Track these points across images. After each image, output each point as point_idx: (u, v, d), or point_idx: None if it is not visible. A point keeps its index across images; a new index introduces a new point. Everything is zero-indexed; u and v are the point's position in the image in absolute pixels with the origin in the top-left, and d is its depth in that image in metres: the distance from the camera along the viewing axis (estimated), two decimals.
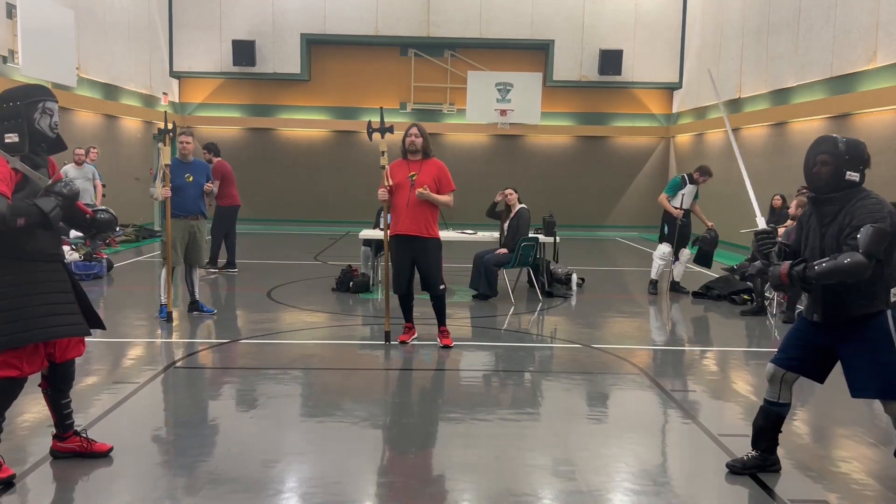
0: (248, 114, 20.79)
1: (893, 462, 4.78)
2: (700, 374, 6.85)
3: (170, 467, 4.35)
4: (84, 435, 4.36)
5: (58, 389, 4.30)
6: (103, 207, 4.47)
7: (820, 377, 4.27)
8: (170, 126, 8.16)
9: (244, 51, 19.71)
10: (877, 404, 6.28)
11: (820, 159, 3.97)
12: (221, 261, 12.01)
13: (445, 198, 7.15)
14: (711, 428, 5.17)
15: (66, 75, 14.40)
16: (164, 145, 8.04)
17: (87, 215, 4.34)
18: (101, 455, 4.37)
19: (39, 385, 4.31)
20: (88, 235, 4.40)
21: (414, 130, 7.21)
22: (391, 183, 7.12)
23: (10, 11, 13.08)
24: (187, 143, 8.60)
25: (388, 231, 7.30)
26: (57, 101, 4.11)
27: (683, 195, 10.64)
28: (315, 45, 20.58)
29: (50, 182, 4.02)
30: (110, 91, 17.03)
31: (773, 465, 4.38)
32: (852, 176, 3.92)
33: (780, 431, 4.38)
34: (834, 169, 3.93)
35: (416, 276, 7.33)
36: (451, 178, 7.25)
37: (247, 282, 11.26)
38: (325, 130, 20.94)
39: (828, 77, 13.34)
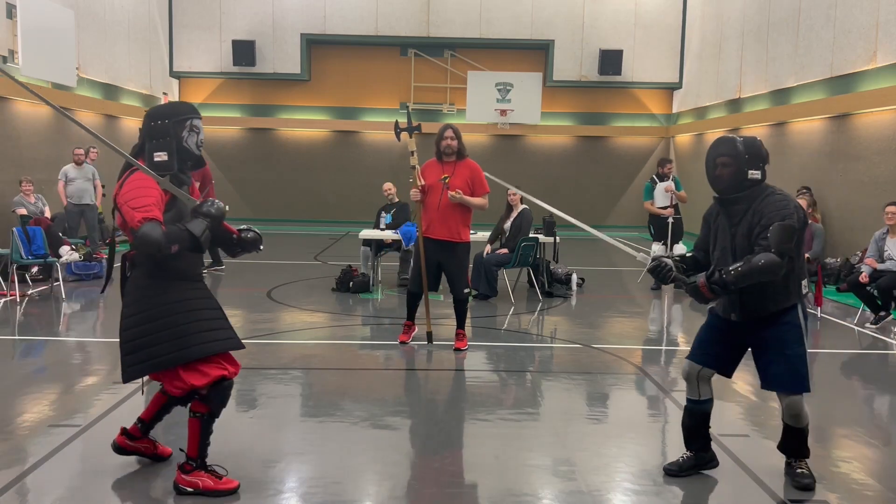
0: (248, 114, 20.78)
1: (893, 462, 4.78)
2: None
3: (170, 467, 4.34)
4: (214, 470, 4.09)
5: (178, 401, 4.12)
6: (245, 227, 4.24)
7: (730, 372, 4.30)
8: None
9: (244, 51, 19.71)
10: (877, 403, 6.29)
11: (720, 161, 4.00)
12: (207, 260, 12.02)
13: (479, 200, 7.08)
14: (711, 428, 5.16)
15: (66, 75, 14.40)
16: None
17: (234, 235, 4.17)
18: (163, 459, 4.34)
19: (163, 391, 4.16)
20: (232, 254, 4.24)
21: (449, 133, 7.11)
22: (423, 183, 7.06)
23: (10, 11, 13.08)
24: None
25: (420, 231, 7.20)
26: (201, 118, 4.05)
27: (671, 193, 11.05)
28: (315, 45, 20.58)
29: (197, 203, 3.88)
30: (110, 91, 17.03)
31: (709, 463, 4.38)
32: (754, 174, 3.95)
33: (710, 427, 4.36)
34: (735, 170, 3.96)
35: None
36: (484, 179, 7.13)
37: (247, 282, 11.26)
38: (325, 130, 20.93)
39: (828, 77, 13.33)
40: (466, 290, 7.22)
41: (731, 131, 17.47)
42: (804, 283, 4.13)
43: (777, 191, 4.03)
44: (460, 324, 7.34)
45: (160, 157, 3.83)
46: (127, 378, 3.89)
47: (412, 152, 7.11)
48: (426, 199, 7.08)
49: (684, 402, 4.41)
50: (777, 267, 3.79)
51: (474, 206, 7.08)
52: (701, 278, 3.84)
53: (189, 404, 3.99)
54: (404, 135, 7.20)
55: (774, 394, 4.22)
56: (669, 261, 4.02)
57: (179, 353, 3.80)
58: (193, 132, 3.96)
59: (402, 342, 7.38)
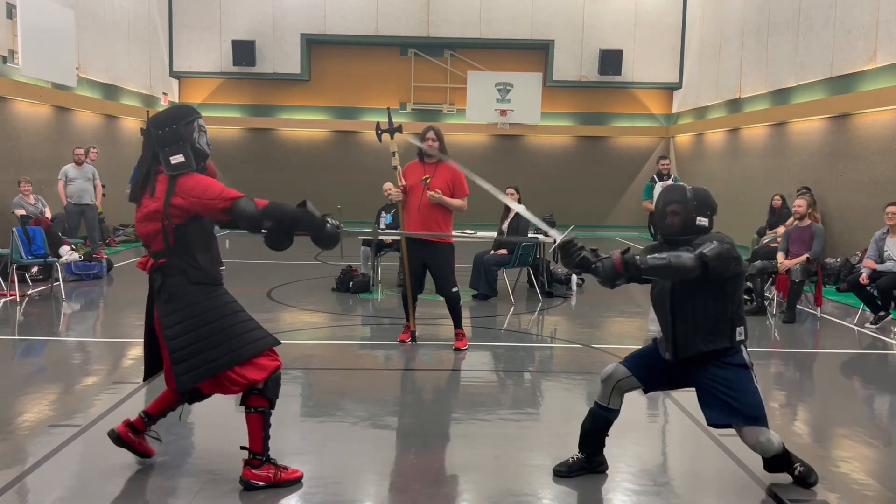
0: (248, 114, 20.78)
1: (893, 462, 4.78)
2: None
3: (170, 467, 4.35)
4: (275, 461, 4.12)
5: (192, 399, 4.22)
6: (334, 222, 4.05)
7: (650, 390, 4.31)
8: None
9: (244, 51, 19.71)
10: (877, 403, 6.29)
11: (670, 209, 4.07)
12: None
13: (458, 202, 7.13)
14: (711, 428, 5.16)
15: (66, 75, 14.40)
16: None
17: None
18: (147, 456, 4.33)
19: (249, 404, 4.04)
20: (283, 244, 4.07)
21: (431, 134, 7.17)
22: (405, 183, 7.10)
23: (10, 11, 13.08)
24: None
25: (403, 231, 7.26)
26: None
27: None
28: (315, 45, 20.58)
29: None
30: (110, 91, 17.03)
31: (599, 466, 4.35)
32: (702, 221, 4.04)
33: (608, 435, 4.34)
34: (684, 217, 4.03)
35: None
36: (465, 182, 7.17)
37: (247, 282, 11.26)
38: (325, 130, 20.93)
39: (828, 77, 13.33)
40: (455, 290, 7.20)
41: (732, 131, 17.48)
42: (739, 330, 4.07)
43: (718, 234, 4.06)
44: (457, 323, 7.33)
45: (177, 159, 3.89)
46: (182, 386, 3.91)
47: (393, 153, 7.17)
48: (407, 199, 7.14)
49: (591, 405, 4.37)
50: (691, 267, 3.77)
51: (453, 208, 7.13)
52: (616, 253, 3.81)
53: (245, 401, 4.02)
54: (385, 136, 7.25)
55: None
56: (578, 241, 3.95)
57: (233, 355, 3.87)
58: (202, 132, 4.06)
59: (402, 341, 7.39)
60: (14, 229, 9.83)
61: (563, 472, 4.31)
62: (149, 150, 3.97)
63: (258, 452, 4.03)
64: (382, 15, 19.89)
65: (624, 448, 4.83)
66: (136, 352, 7.23)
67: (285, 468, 4.10)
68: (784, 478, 4.31)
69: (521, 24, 20.01)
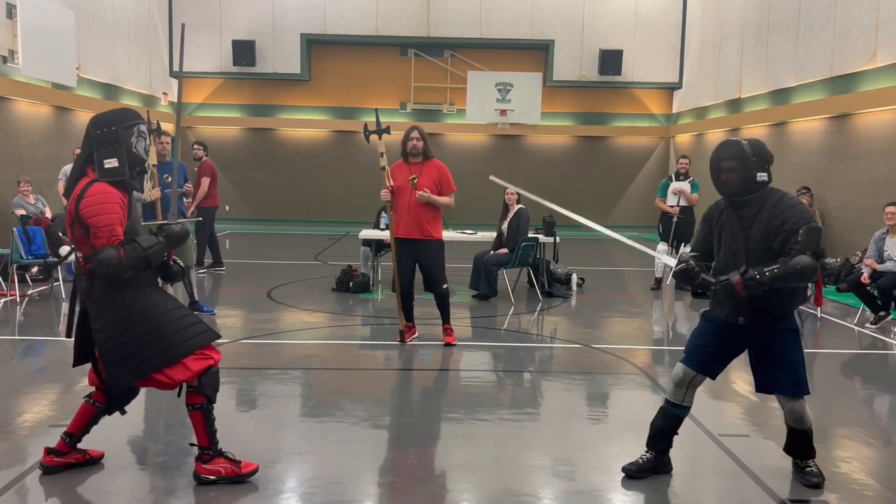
0: (248, 114, 20.79)
1: (893, 462, 4.78)
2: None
3: (170, 467, 4.35)
4: (229, 455, 4.14)
5: (108, 410, 4.22)
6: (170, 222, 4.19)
7: (715, 376, 4.26)
8: (153, 126, 8.11)
9: (244, 51, 19.71)
10: (877, 403, 6.30)
11: (727, 165, 3.94)
12: (207, 261, 12.03)
13: (446, 199, 7.23)
14: (711, 428, 5.16)
15: (66, 75, 14.40)
16: (150, 145, 7.98)
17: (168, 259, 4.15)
18: (97, 461, 4.30)
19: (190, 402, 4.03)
20: (166, 277, 4.23)
21: (415, 134, 7.26)
22: (393, 184, 7.16)
23: (10, 11, 13.08)
24: (166, 143, 8.56)
25: (392, 232, 7.32)
26: (147, 124, 4.07)
27: (681, 193, 11.00)
28: (315, 45, 20.58)
29: (164, 221, 4.02)
30: (110, 91, 17.03)
31: (666, 466, 4.34)
32: (762, 176, 3.92)
33: (677, 434, 4.32)
34: (743, 174, 3.91)
35: (417, 277, 7.36)
36: (451, 179, 7.31)
37: (247, 282, 11.26)
38: (325, 130, 20.93)
39: (828, 77, 13.33)
40: (445, 286, 7.28)
41: (732, 131, 17.47)
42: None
43: (788, 194, 4.02)
44: (446, 319, 7.44)
45: (111, 163, 3.84)
46: (117, 387, 3.96)
47: (381, 153, 7.23)
48: (396, 199, 7.22)
49: (662, 402, 4.37)
50: (814, 270, 3.75)
51: (441, 205, 7.22)
52: (735, 276, 3.78)
53: (185, 399, 4.03)
54: (373, 137, 7.31)
55: (775, 394, 4.22)
56: (694, 265, 3.97)
57: (165, 356, 3.88)
58: (141, 138, 3.97)
59: (401, 342, 7.40)
60: (14, 229, 9.83)
61: (633, 473, 4.26)
62: (86, 150, 3.92)
63: (205, 447, 4.05)
64: (382, 15, 19.89)
65: (624, 448, 4.82)
66: None
67: (237, 463, 4.10)
68: (785, 478, 4.32)
69: (521, 24, 20.01)
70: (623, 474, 4.30)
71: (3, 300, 9.28)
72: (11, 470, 4.23)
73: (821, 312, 9.34)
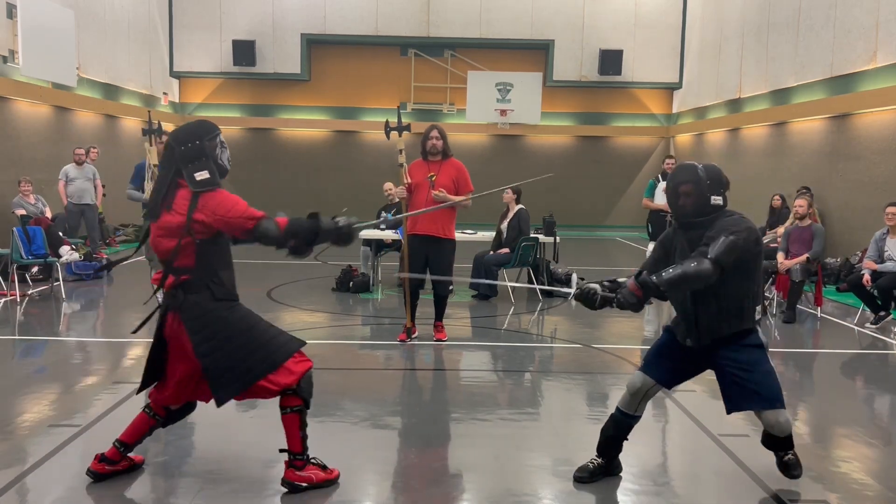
0: (248, 114, 20.79)
1: (893, 462, 4.78)
2: (700, 374, 6.84)
3: (170, 467, 4.35)
4: (318, 461, 4.13)
5: (166, 422, 4.20)
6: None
7: (673, 386, 4.25)
8: (154, 126, 8.12)
9: (244, 51, 19.72)
10: (877, 403, 6.30)
11: (683, 190, 3.95)
12: None
13: (462, 199, 7.19)
14: (711, 428, 5.16)
15: (66, 75, 14.41)
16: (151, 145, 8.00)
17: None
18: (139, 467, 4.26)
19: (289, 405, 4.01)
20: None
21: (435, 133, 7.25)
22: (410, 181, 7.15)
23: (10, 11, 13.08)
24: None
25: (406, 229, 7.29)
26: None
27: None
28: (315, 45, 20.58)
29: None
30: (110, 91, 17.03)
31: (616, 469, 4.33)
32: (716, 200, 3.92)
33: (627, 439, 4.29)
34: (697, 197, 3.91)
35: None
36: (469, 178, 7.28)
37: (247, 282, 11.23)
38: (325, 130, 20.94)
39: (828, 77, 13.34)
40: (451, 288, 7.28)
41: (732, 131, 17.48)
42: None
43: (736, 214, 3.98)
44: (439, 317, 7.51)
45: (202, 175, 3.83)
46: (221, 402, 3.91)
47: (400, 150, 7.23)
48: (413, 197, 7.21)
49: (613, 411, 4.32)
50: (707, 275, 3.70)
51: (459, 205, 7.22)
52: (630, 280, 3.77)
53: (280, 402, 4.00)
54: (394, 134, 7.29)
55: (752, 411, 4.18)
56: (594, 285, 3.91)
57: (269, 362, 3.88)
58: (224, 148, 4.03)
59: (402, 341, 7.39)
60: (14, 229, 9.83)
61: (585, 478, 4.23)
62: (171, 167, 3.91)
63: (298, 453, 4.02)
64: (382, 15, 19.90)
65: (624, 448, 4.82)
66: (137, 352, 7.23)
67: (324, 468, 4.11)
68: (784, 478, 4.31)
69: (521, 24, 20.01)
70: (575, 480, 4.24)
71: (3, 300, 9.28)
72: (11, 470, 4.23)
73: (821, 312, 9.34)
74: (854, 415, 5.70)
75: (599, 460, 4.30)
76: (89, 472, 4.11)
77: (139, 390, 4.20)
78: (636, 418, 4.25)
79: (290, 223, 3.83)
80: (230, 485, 4.10)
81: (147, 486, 4.10)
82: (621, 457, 4.37)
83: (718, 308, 3.90)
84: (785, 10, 14.78)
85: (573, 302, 3.92)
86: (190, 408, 4.23)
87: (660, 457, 4.85)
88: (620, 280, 3.96)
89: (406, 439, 4.98)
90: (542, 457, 4.63)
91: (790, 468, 4.19)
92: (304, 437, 4.03)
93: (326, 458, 4.55)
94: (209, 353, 3.82)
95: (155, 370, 4.08)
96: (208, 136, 3.93)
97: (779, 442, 4.19)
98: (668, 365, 4.15)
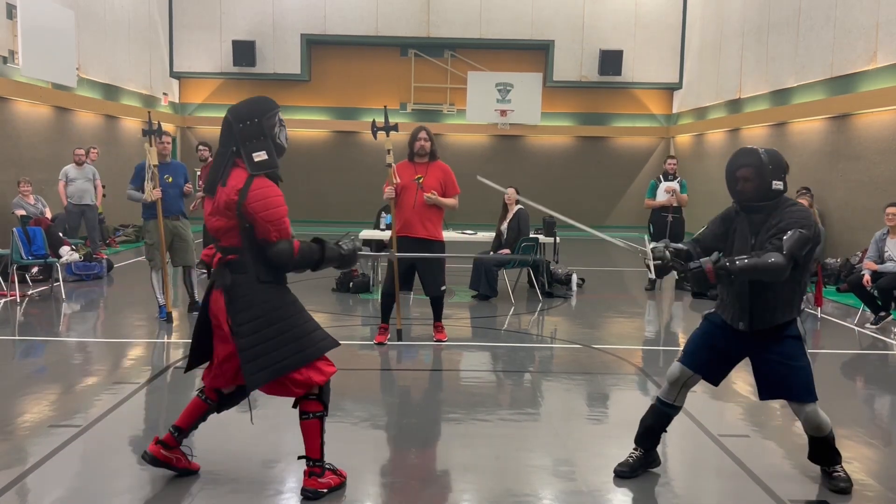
0: None
1: (893, 462, 4.78)
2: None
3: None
4: (330, 467, 4.06)
5: (220, 407, 4.13)
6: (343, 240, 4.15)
7: (718, 381, 4.29)
8: (154, 126, 8.11)
9: (244, 51, 19.71)
10: (877, 403, 6.30)
11: (741, 174, 3.99)
12: None
13: (451, 201, 7.28)
14: (711, 428, 5.16)
15: (66, 75, 14.40)
16: (151, 146, 8.00)
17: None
18: (191, 473, 4.16)
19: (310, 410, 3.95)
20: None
21: (423, 134, 7.29)
22: (398, 181, 7.17)
23: (10, 11, 13.08)
24: (167, 143, 8.56)
25: (394, 231, 7.31)
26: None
27: (673, 193, 10.95)
28: (315, 46, 20.58)
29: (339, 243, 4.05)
30: (110, 91, 17.03)
31: (654, 462, 4.37)
32: (778, 185, 3.97)
33: (666, 431, 4.36)
34: (758, 183, 3.95)
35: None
36: (455, 180, 7.34)
37: None
38: (325, 130, 20.94)
39: (828, 77, 13.33)
40: (443, 288, 7.36)
41: (732, 132, 17.48)
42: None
43: (799, 203, 4.05)
44: (437, 317, 7.52)
45: (260, 156, 3.76)
46: (252, 386, 3.78)
47: (388, 151, 7.26)
48: (400, 198, 7.23)
49: (653, 400, 4.38)
50: (782, 269, 3.75)
51: (447, 207, 7.29)
52: (707, 263, 3.79)
53: (300, 407, 3.93)
54: (381, 134, 7.32)
55: (786, 401, 4.20)
56: (666, 251, 3.96)
57: (302, 355, 3.80)
58: (282, 126, 3.93)
59: (379, 343, 7.38)
60: (14, 229, 9.83)
61: (626, 473, 4.28)
62: (229, 145, 3.81)
63: (317, 460, 3.94)
64: (382, 15, 19.89)
65: (624, 448, 4.82)
66: (137, 352, 7.24)
67: (336, 472, 4.07)
68: (784, 478, 4.32)
69: (521, 24, 20.01)
70: (616, 475, 4.29)
71: (3, 300, 9.28)
72: (11, 470, 4.23)
73: (821, 312, 9.34)
74: (854, 415, 5.70)
75: (638, 452, 4.33)
76: (145, 454, 4.06)
77: (186, 369, 4.16)
78: (676, 409, 4.28)
79: (301, 252, 3.84)
80: (230, 485, 4.10)
81: (147, 487, 4.09)
82: (621, 456, 4.37)
83: (774, 295, 3.94)
84: (785, 10, 14.79)
85: (651, 264, 3.96)
86: (243, 393, 4.09)
87: (660, 457, 4.84)
88: (684, 249, 4.03)
89: (406, 439, 4.98)
90: (542, 457, 4.63)
91: (837, 484, 4.15)
92: (323, 444, 3.96)
93: (326, 457, 4.55)
94: (247, 334, 3.73)
95: (202, 351, 4.03)
96: (267, 113, 3.83)
97: (820, 452, 4.17)
98: (706, 357, 4.18)
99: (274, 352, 3.75)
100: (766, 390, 4.10)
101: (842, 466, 4.24)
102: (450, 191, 7.27)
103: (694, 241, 4.23)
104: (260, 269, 3.80)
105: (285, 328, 3.80)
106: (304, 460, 3.99)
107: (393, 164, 7.25)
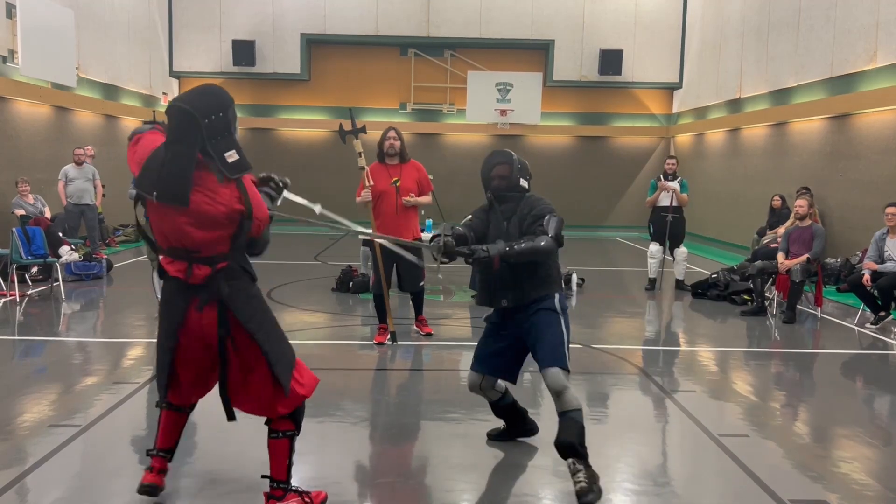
0: (248, 114, 20.77)
1: (893, 462, 4.78)
2: (700, 374, 6.84)
3: (170, 467, 4.34)
4: (299, 489, 3.69)
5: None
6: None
7: (514, 377, 4.64)
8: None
9: (244, 51, 19.71)
10: (877, 403, 6.30)
11: (497, 172, 4.58)
12: None
13: (427, 199, 7.47)
14: (711, 428, 5.16)
15: (66, 75, 14.40)
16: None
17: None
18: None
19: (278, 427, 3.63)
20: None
21: (392, 133, 7.33)
22: (373, 184, 7.19)
23: (10, 11, 13.08)
24: None
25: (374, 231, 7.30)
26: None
27: (673, 193, 10.95)
28: (315, 45, 20.58)
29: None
30: (110, 91, 17.03)
31: (529, 431, 4.85)
32: (524, 183, 4.60)
33: (522, 409, 4.83)
34: (510, 177, 4.56)
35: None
36: (428, 177, 7.49)
37: None
38: (325, 130, 20.92)
39: (828, 77, 13.33)
40: (421, 284, 7.49)
41: (732, 131, 17.48)
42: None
43: (536, 195, 4.62)
44: (419, 311, 7.69)
45: (232, 156, 3.35)
46: (288, 386, 3.50)
47: (360, 154, 7.21)
48: (379, 204, 7.23)
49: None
50: (552, 249, 4.32)
51: (424, 206, 7.52)
52: (493, 252, 4.23)
53: (271, 425, 3.61)
54: (349, 137, 7.30)
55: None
56: (448, 238, 4.26)
57: (291, 351, 3.60)
58: (237, 121, 3.60)
59: (379, 343, 7.38)
60: (14, 229, 9.83)
61: (494, 436, 4.85)
62: (196, 144, 3.29)
63: (282, 481, 3.60)
64: (382, 15, 19.89)
65: (624, 448, 4.83)
66: (136, 352, 7.24)
67: (308, 493, 3.69)
68: (784, 478, 4.31)
69: (521, 24, 20.01)
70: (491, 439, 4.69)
71: (3, 300, 9.28)
72: (11, 470, 4.23)
73: (821, 312, 9.34)
74: (854, 415, 5.70)
75: (501, 427, 4.87)
76: (144, 488, 3.76)
77: (160, 403, 3.80)
78: (503, 398, 4.72)
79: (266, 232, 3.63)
80: (230, 485, 4.10)
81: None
82: (621, 456, 4.37)
83: (531, 273, 4.41)
84: (785, 10, 14.78)
85: (439, 258, 4.25)
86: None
87: (660, 457, 4.84)
88: (463, 233, 4.48)
89: (406, 439, 4.98)
90: (543, 457, 4.63)
91: (576, 485, 3.95)
92: (291, 465, 3.63)
93: (326, 458, 4.55)
94: (267, 339, 3.47)
95: (168, 376, 3.62)
96: (231, 105, 3.43)
97: (568, 433, 4.04)
98: (490, 354, 4.58)
99: (286, 349, 3.59)
100: (542, 361, 4.25)
101: (587, 469, 4.00)
102: (426, 189, 7.40)
103: (467, 227, 4.62)
104: (249, 267, 3.56)
105: (275, 321, 3.69)
106: (267, 479, 3.67)
107: (366, 167, 7.22)
